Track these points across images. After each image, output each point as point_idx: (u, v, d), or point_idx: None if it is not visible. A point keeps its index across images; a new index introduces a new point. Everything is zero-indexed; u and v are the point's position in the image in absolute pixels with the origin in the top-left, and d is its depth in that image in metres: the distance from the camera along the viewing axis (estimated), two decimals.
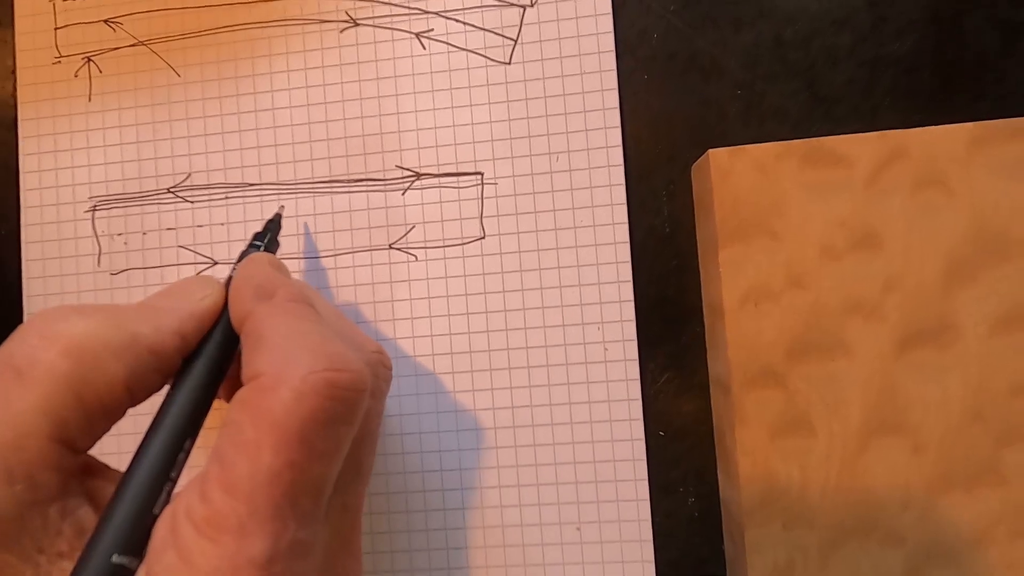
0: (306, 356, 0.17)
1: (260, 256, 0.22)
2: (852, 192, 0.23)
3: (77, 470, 0.18)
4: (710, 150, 0.24)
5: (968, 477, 0.23)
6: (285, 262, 0.27)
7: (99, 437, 0.18)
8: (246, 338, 0.18)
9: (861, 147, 0.23)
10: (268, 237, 0.24)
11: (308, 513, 0.16)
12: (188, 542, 0.15)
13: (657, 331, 0.26)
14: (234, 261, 0.22)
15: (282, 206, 0.26)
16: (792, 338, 0.23)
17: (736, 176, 0.24)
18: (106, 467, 0.19)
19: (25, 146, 0.28)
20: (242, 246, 0.27)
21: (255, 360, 0.17)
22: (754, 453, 0.23)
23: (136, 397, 0.18)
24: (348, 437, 0.17)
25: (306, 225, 0.27)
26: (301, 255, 0.27)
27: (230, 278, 0.21)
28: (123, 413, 0.18)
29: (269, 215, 0.27)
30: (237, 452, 0.16)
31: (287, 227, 0.27)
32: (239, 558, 0.15)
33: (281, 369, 0.17)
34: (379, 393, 0.20)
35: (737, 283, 0.24)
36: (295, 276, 0.27)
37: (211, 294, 0.20)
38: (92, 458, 0.19)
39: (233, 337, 0.20)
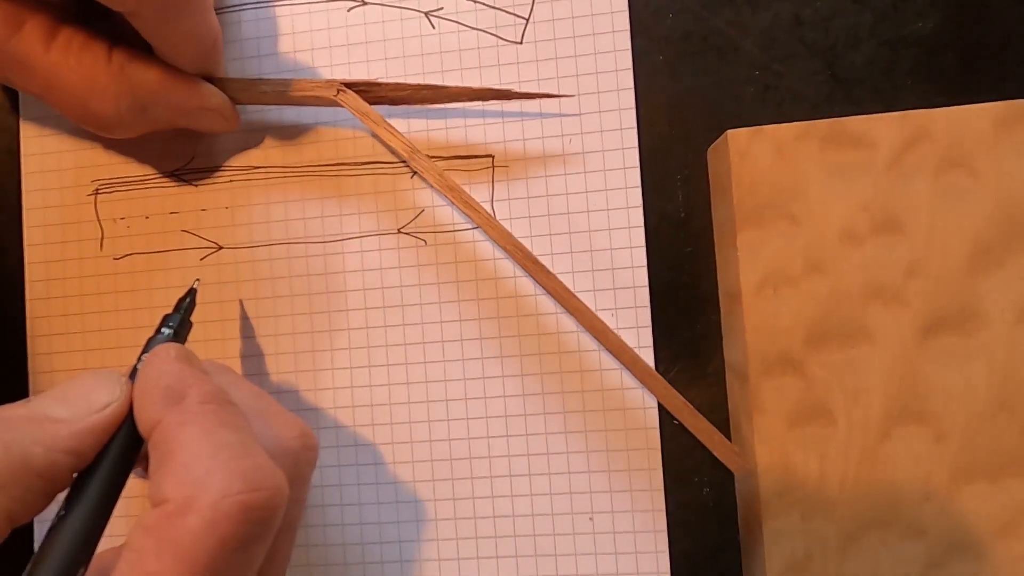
0: (218, 477, 0.16)
1: (166, 349, 0.19)
2: (874, 174, 0.23)
3: None
4: (729, 131, 0.23)
5: (992, 467, 0.22)
6: (294, 247, 0.26)
7: None
8: (154, 451, 0.17)
9: (883, 128, 0.23)
10: (179, 319, 0.22)
11: None
12: None
13: (671, 318, 0.25)
14: (141, 351, 0.20)
15: (197, 280, 0.24)
16: (811, 324, 0.23)
17: (754, 158, 0.23)
18: None
19: (26, 129, 0.28)
20: (247, 230, 0.27)
21: (162, 481, 0.16)
22: (771, 442, 0.23)
23: (16, 522, 0.17)
24: (262, 553, 0.17)
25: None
26: (309, 239, 0.26)
27: (135, 369, 0.19)
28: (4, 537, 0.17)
29: (274, 199, 0.27)
30: None
31: (295, 211, 0.26)
32: None
33: (190, 493, 0.15)
34: (301, 480, 0.19)
35: (755, 267, 0.23)
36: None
37: (114, 401, 0.18)
38: None
39: (136, 442, 0.18)
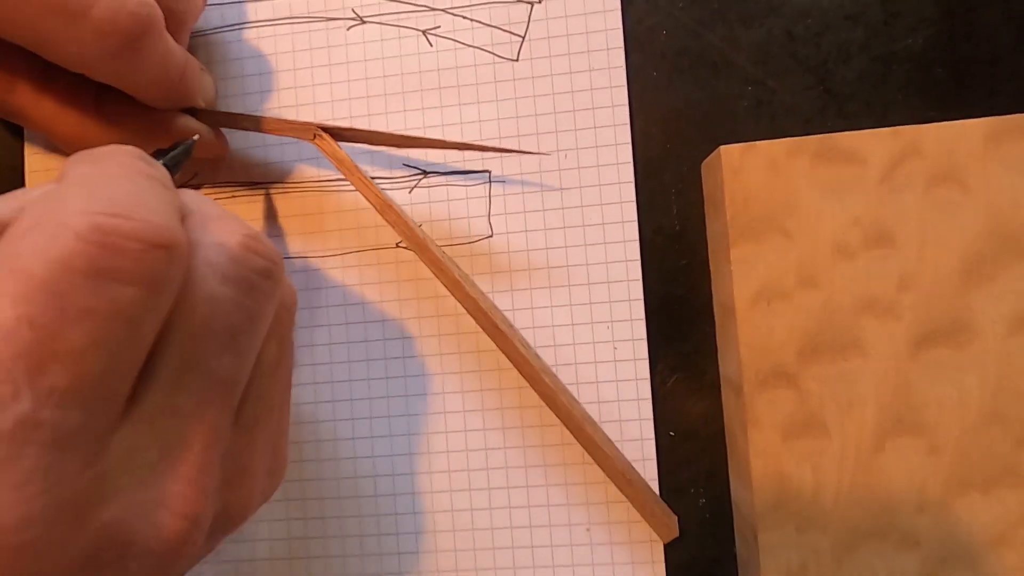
0: (80, 198, 0.13)
1: (127, 147, 0.17)
2: (865, 189, 0.23)
3: None
4: (721, 146, 0.23)
5: (986, 478, 0.22)
6: (293, 261, 0.27)
7: None
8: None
9: (874, 143, 0.23)
10: (169, 155, 0.22)
11: (64, 393, 0.13)
12: None
13: (667, 330, 0.26)
14: None
15: (199, 137, 0.24)
16: (805, 338, 0.23)
17: (747, 173, 0.23)
18: None
19: (30, 145, 0.28)
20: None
21: (29, 207, 0.14)
22: (766, 455, 0.23)
23: None
24: (138, 305, 0.13)
25: None
26: (308, 254, 0.26)
27: None
28: None
29: (276, 214, 0.27)
30: None
31: (295, 226, 0.26)
32: None
33: (45, 210, 0.13)
34: (246, 286, 0.16)
35: (748, 282, 0.23)
36: None
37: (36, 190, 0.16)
38: None
39: None
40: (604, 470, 0.24)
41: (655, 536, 0.25)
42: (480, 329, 0.25)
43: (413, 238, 0.24)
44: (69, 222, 0.13)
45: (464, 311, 0.25)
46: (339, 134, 0.24)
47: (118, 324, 0.13)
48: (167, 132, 0.24)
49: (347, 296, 0.26)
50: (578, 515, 0.25)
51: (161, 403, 0.15)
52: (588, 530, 0.25)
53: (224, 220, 0.17)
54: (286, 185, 0.27)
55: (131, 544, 0.14)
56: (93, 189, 0.14)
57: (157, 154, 0.22)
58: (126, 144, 0.17)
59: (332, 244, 0.26)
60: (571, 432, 0.24)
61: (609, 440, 0.25)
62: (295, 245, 0.27)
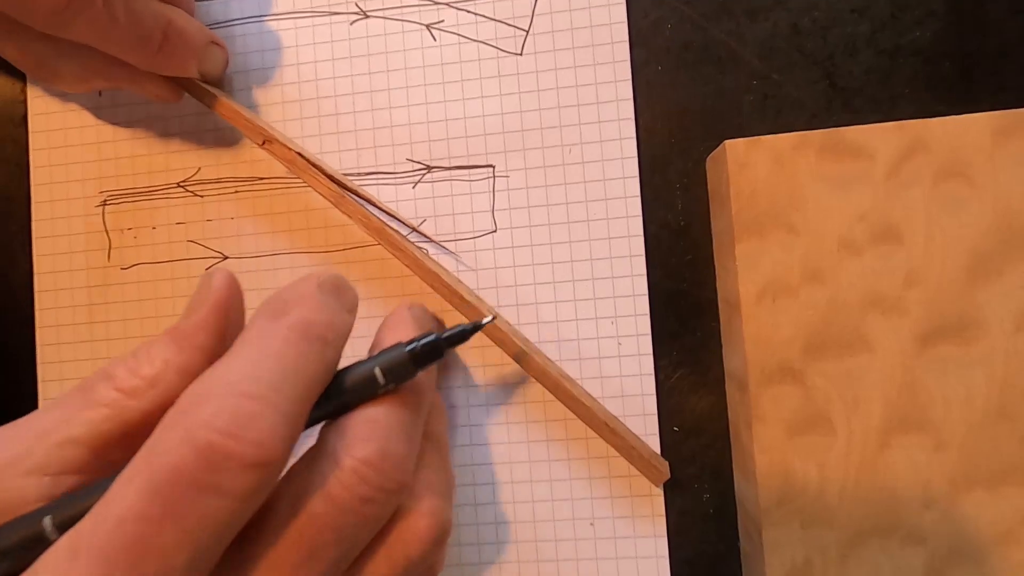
0: (211, 405, 0.15)
1: (315, 274, 0.18)
2: (872, 184, 0.22)
3: None
4: (726, 141, 0.23)
5: (992, 475, 0.22)
6: (296, 257, 0.26)
7: None
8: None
9: (881, 138, 0.22)
10: (441, 339, 0.18)
11: None
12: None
13: (671, 326, 0.25)
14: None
15: (496, 317, 0.22)
16: (810, 334, 0.23)
17: (753, 168, 0.23)
18: None
19: (35, 141, 0.28)
20: (253, 240, 0.27)
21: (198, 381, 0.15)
22: (771, 451, 0.23)
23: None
24: (223, 513, 0.15)
25: None
26: (313, 249, 0.26)
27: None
28: None
29: (278, 209, 0.27)
30: (114, 484, 0.14)
31: (298, 221, 0.26)
32: None
33: (182, 410, 0.15)
34: (346, 506, 0.16)
35: (753, 278, 0.23)
36: None
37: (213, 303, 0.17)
38: None
39: None
40: (587, 423, 0.24)
41: (659, 531, 0.24)
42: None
43: (371, 226, 0.24)
44: (193, 433, 0.14)
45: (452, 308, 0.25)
46: (282, 153, 0.24)
47: (207, 527, 0.15)
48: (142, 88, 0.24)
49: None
50: (582, 509, 0.25)
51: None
52: (592, 524, 0.25)
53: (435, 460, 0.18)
54: (289, 180, 0.27)
55: None
56: (225, 390, 0.15)
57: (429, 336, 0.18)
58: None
59: (336, 239, 0.26)
60: (549, 390, 0.24)
61: (589, 394, 0.24)
62: (299, 240, 0.26)
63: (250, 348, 0.16)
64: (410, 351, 0.17)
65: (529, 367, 0.24)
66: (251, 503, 0.15)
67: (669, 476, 0.24)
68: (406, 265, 0.24)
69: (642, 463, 0.24)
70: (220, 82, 0.26)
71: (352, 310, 0.18)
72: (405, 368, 0.17)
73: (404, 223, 0.25)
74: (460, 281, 0.25)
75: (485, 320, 0.20)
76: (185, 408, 0.15)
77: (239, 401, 0.15)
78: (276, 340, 0.16)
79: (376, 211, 0.25)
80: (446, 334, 0.18)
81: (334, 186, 0.24)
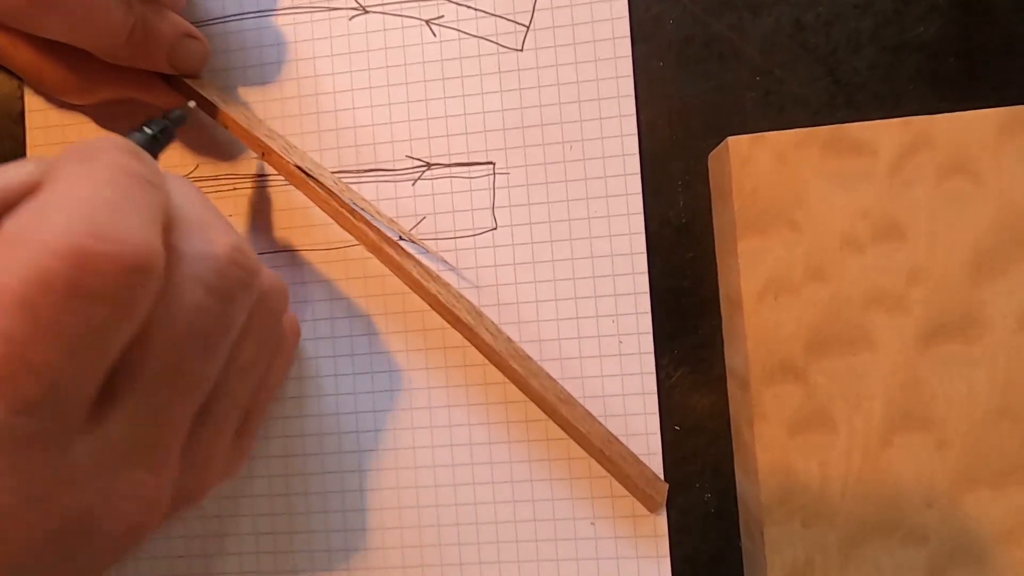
0: (62, 216, 0.14)
1: (112, 137, 0.17)
2: (875, 181, 0.22)
3: None
4: (729, 137, 0.23)
5: (995, 474, 0.22)
6: (297, 254, 0.26)
7: None
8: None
9: (884, 134, 0.22)
10: (157, 128, 0.21)
11: (31, 401, 0.13)
12: None
13: (673, 324, 0.25)
14: None
15: (192, 103, 0.23)
16: (812, 332, 0.22)
17: (755, 164, 0.23)
18: None
19: (32, 138, 0.27)
20: (251, 239, 0.26)
21: (16, 213, 0.14)
22: (773, 449, 0.22)
23: None
24: (111, 325, 0.14)
25: None
26: (313, 247, 0.26)
27: None
28: None
29: (279, 206, 0.26)
30: None
31: (298, 219, 0.26)
32: None
33: (25, 227, 0.14)
34: (226, 296, 0.16)
35: (756, 275, 0.23)
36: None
37: (31, 172, 0.16)
38: None
39: None
40: (583, 447, 0.24)
41: (660, 530, 0.24)
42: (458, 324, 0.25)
43: (369, 243, 0.24)
44: (50, 241, 0.13)
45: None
46: (281, 165, 0.24)
47: (87, 340, 0.14)
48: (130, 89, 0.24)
49: (351, 290, 0.26)
50: (582, 509, 0.25)
51: (136, 405, 0.16)
52: (593, 524, 0.25)
53: (210, 227, 0.17)
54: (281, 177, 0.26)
55: (95, 527, 0.16)
56: (77, 202, 0.14)
57: (148, 123, 0.21)
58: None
59: (336, 237, 0.26)
60: (546, 413, 0.24)
61: (589, 416, 0.24)
62: (298, 238, 0.26)
63: (61, 181, 0.15)
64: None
65: (528, 392, 0.24)
66: (135, 311, 0.15)
67: (664, 502, 0.24)
68: (405, 283, 0.24)
69: (637, 491, 0.24)
70: (199, 75, 0.25)
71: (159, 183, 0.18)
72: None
73: (403, 235, 0.25)
74: (461, 296, 0.24)
75: (189, 104, 0.23)
76: (29, 223, 0.14)
77: (90, 210, 0.14)
78: (101, 173, 0.15)
79: (375, 222, 0.25)
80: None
81: (332, 200, 0.24)
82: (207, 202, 0.18)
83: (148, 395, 0.16)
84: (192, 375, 0.17)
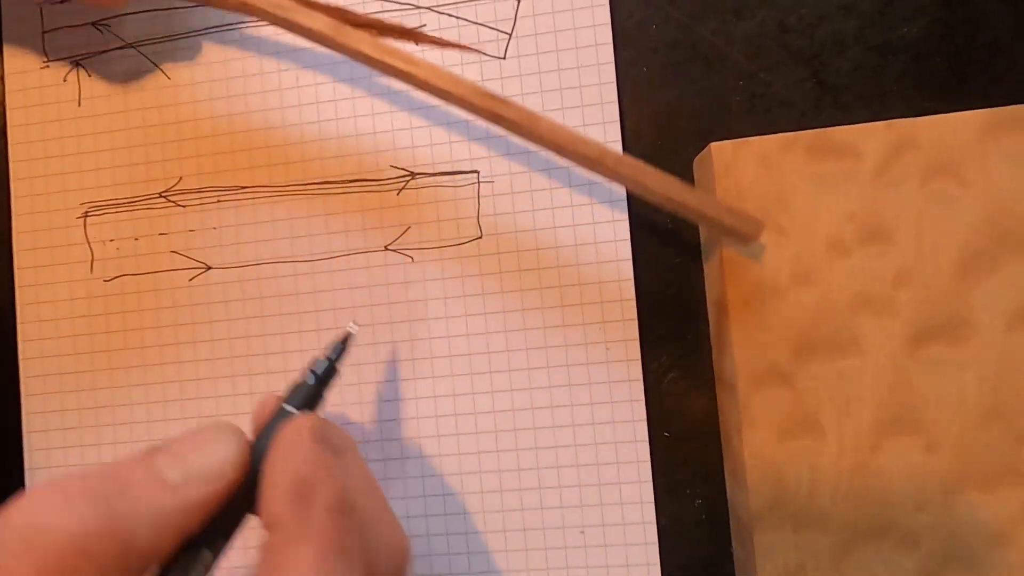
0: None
1: (301, 426, 0.18)
2: (860, 184, 0.22)
3: None
4: (712, 143, 0.23)
5: (986, 476, 0.22)
6: (280, 266, 0.26)
7: None
8: (266, 551, 0.16)
9: (869, 137, 0.22)
10: (327, 366, 0.20)
11: None
12: None
13: (662, 330, 0.25)
14: (283, 397, 0.19)
15: (354, 325, 0.22)
16: (799, 336, 0.22)
17: (740, 169, 0.23)
18: None
19: (15, 152, 0.27)
20: (235, 250, 0.26)
21: None
22: (762, 455, 0.22)
23: None
24: None
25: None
26: (296, 259, 0.26)
27: (260, 434, 0.18)
28: None
29: (262, 218, 0.26)
30: None
31: (282, 230, 0.26)
32: None
33: None
34: None
35: (742, 280, 0.23)
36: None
37: (229, 472, 0.16)
38: None
39: (243, 512, 0.17)
40: (649, 197, 0.22)
41: (650, 538, 0.24)
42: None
43: (375, 52, 0.22)
44: None
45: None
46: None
47: None
48: None
49: (336, 301, 0.26)
50: (572, 517, 0.25)
51: None
52: (582, 532, 0.25)
53: (383, 521, 0.18)
54: (272, 189, 0.26)
55: None
56: None
57: (314, 366, 0.20)
58: None
59: (320, 248, 0.26)
60: (597, 170, 0.22)
61: (638, 165, 0.22)
62: (282, 250, 0.26)
63: (302, 556, 0.16)
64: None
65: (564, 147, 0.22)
66: None
67: (763, 229, 0.22)
68: (422, 82, 0.22)
69: (728, 226, 0.21)
70: None
71: (345, 448, 0.19)
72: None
73: (413, 34, 0.23)
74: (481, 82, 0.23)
75: (352, 328, 0.21)
76: None
77: None
78: (316, 542, 0.16)
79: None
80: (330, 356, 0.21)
81: (331, 9, 0.22)
82: (372, 482, 0.20)
83: None
84: None
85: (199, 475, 0.16)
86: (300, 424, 0.18)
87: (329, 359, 0.20)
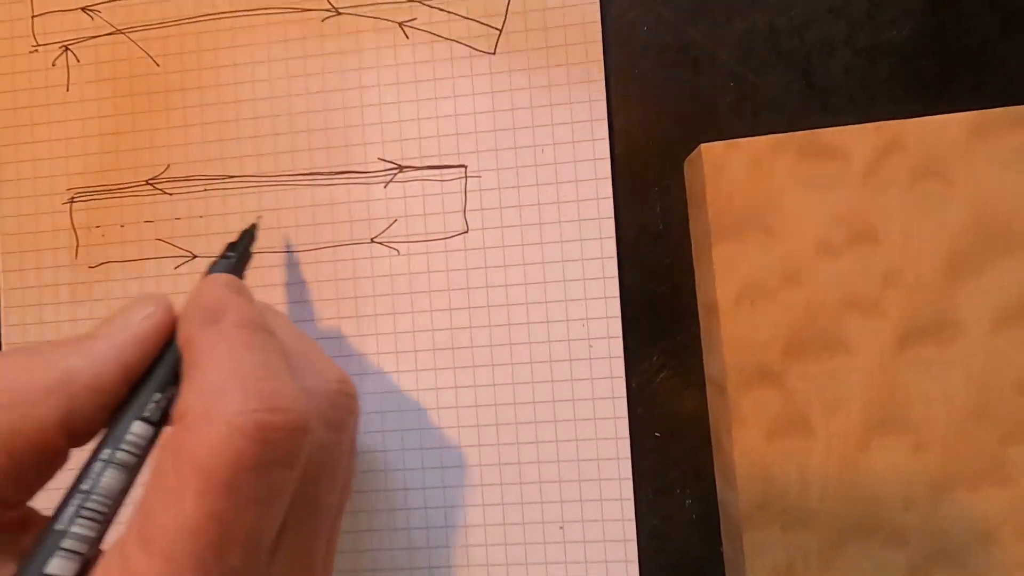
0: (237, 394, 0.15)
1: (216, 277, 0.19)
2: (849, 185, 0.22)
3: (14, 525, 0.16)
4: (702, 144, 0.23)
5: (972, 476, 0.21)
6: (266, 256, 0.26)
7: (39, 487, 0.16)
8: (185, 368, 0.17)
9: (857, 139, 0.22)
10: (240, 249, 0.22)
11: (238, 569, 0.15)
12: None
13: (652, 330, 0.25)
14: (211, 259, 0.21)
15: (260, 217, 0.24)
16: (789, 336, 0.22)
17: (729, 170, 0.23)
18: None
19: (2, 136, 0.27)
20: (221, 239, 0.26)
21: (185, 396, 0.16)
22: (751, 454, 0.22)
23: (79, 439, 0.17)
24: (287, 482, 0.16)
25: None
26: (283, 249, 0.26)
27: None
28: (66, 457, 0.17)
29: (249, 208, 0.26)
30: (158, 501, 0.15)
31: (269, 220, 0.26)
32: None
33: (208, 407, 0.15)
34: (339, 425, 0.18)
35: (731, 280, 0.23)
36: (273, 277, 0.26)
37: (153, 312, 0.18)
38: (32, 511, 0.17)
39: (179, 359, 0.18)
40: None
41: (629, 535, 0.24)
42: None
43: None
44: (235, 421, 0.15)
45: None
46: None
47: (275, 499, 0.16)
48: None
49: (321, 293, 0.26)
50: (551, 513, 0.24)
51: (294, 543, 0.17)
52: (561, 528, 0.24)
53: (314, 360, 0.19)
54: (260, 179, 0.26)
55: None
56: (241, 380, 0.16)
57: (231, 247, 0.22)
58: None
59: (306, 239, 0.26)
60: None
61: None
62: (269, 240, 0.26)
63: (216, 353, 0.16)
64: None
65: None
66: (300, 465, 0.16)
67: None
68: None
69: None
70: None
71: (268, 306, 0.20)
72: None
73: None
74: None
75: (257, 220, 0.24)
76: (209, 405, 0.15)
77: (256, 384, 0.16)
78: (238, 336, 0.17)
79: None
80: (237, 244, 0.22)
81: None
82: (302, 332, 0.20)
83: (298, 532, 0.17)
84: (326, 507, 0.18)
85: (121, 323, 0.17)
86: (216, 276, 0.19)
87: (243, 238, 0.22)
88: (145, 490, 0.15)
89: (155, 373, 0.17)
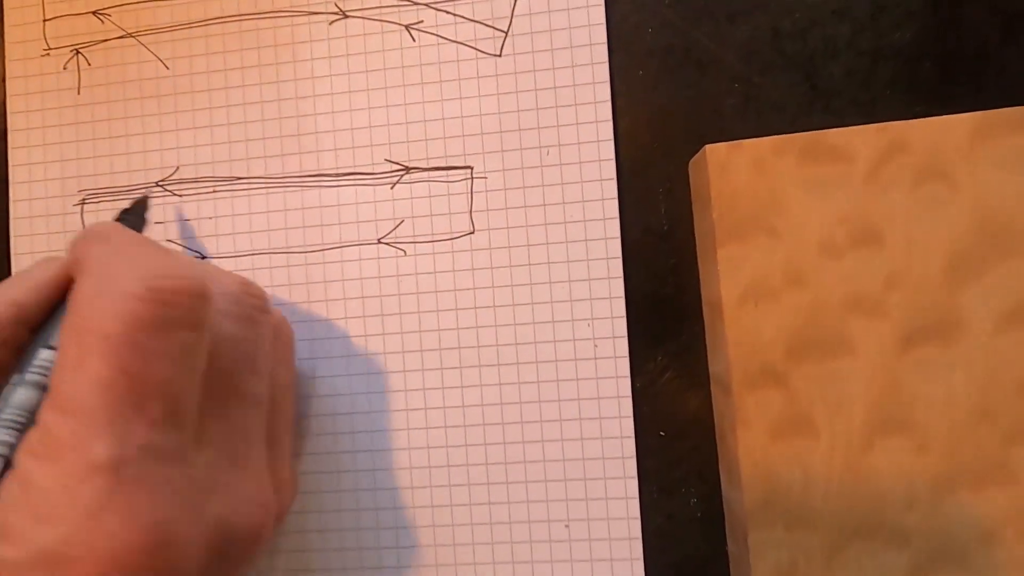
0: (129, 272, 0.16)
1: (107, 222, 0.21)
2: (852, 187, 0.22)
3: None
4: (707, 145, 0.23)
5: (975, 476, 0.22)
6: (274, 256, 0.26)
7: None
8: (76, 276, 0.18)
9: (860, 140, 0.22)
10: (131, 218, 0.23)
11: (161, 419, 0.16)
12: (27, 471, 0.15)
13: (657, 330, 0.25)
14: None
15: (150, 192, 0.26)
16: (792, 337, 0.22)
17: (734, 172, 0.23)
18: None
19: (14, 139, 0.28)
20: (231, 240, 0.26)
21: (79, 288, 0.17)
22: (755, 454, 0.22)
23: None
24: (194, 344, 0.17)
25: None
26: (290, 250, 0.26)
27: None
28: None
29: (257, 209, 0.27)
30: (66, 372, 0.15)
31: (277, 221, 0.26)
32: (79, 466, 0.15)
33: (101, 287, 0.16)
34: (250, 320, 0.20)
35: (736, 281, 0.23)
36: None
37: (50, 266, 0.19)
38: None
39: None
40: None
41: (634, 533, 0.24)
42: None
43: None
44: (128, 289, 0.16)
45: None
46: None
47: (183, 359, 0.17)
48: None
49: (328, 293, 0.26)
50: (557, 511, 0.24)
51: (219, 426, 0.18)
52: (567, 526, 0.24)
53: (218, 272, 0.20)
54: (268, 180, 0.27)
55: (232, 532, 0.18)
56: (131, 260, 0.17)
57: (123, 215, 0.23)
58: None
59: (314, 240, 0.26)
60: None
61: None
62: (277, 241, 0.26)
63: (104, 254, 0.18)
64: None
65: None
66: (205, 330, 0.17)
67: None
68: None
69: None
70: None
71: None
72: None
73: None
74: None
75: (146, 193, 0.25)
76: (102, 283, 0.16)
77: (147, 262, 0.17)
78: (127, 243, 0.18)
79: None
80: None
81: None
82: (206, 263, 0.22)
83: (223, 414, 0.18)
84: (249, 392, 0.19)
85: (24, 274, 0.19)
86: (106, 222, 0.21)
87: (136, 207, 0.24)
88: (54, 370, 0.16)
89: (59, 309, 0.19)
